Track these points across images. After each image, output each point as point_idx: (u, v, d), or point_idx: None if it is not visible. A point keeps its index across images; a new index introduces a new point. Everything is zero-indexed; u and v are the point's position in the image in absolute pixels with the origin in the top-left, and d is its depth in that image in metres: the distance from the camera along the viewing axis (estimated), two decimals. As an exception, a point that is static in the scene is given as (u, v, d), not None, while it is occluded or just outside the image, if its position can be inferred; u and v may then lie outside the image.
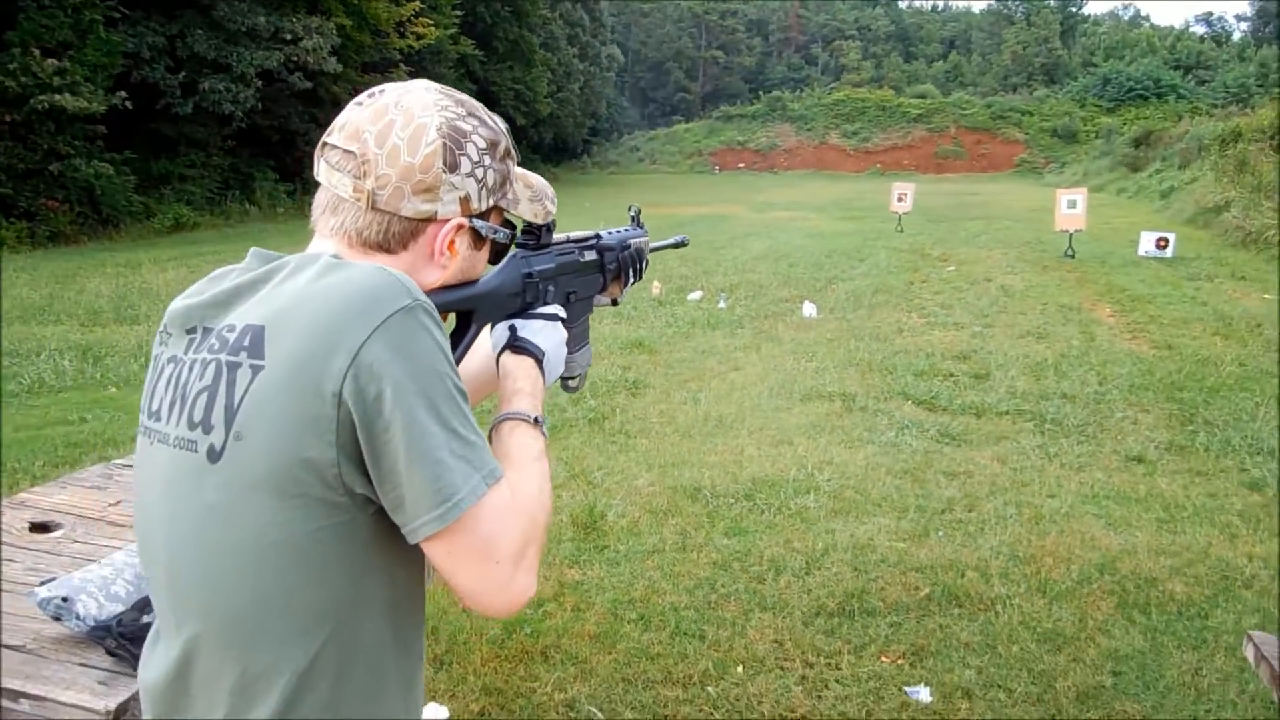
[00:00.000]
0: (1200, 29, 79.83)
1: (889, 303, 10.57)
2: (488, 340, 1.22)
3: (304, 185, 25.05)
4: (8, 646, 1.42)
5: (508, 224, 1.13)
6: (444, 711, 2.67)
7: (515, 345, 1.17)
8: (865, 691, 2.85)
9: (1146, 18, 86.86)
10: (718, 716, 2.71)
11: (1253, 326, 8.78)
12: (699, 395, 6.67)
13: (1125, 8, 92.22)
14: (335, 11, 23.63)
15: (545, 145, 46.39)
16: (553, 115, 42.65)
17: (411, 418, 0.86)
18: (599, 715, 2.70)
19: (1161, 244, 13.88)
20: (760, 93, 60.34)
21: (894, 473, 4.96)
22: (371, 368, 0.85)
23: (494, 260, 1.15)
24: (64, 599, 1.42)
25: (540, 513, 0.99)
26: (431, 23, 27.79)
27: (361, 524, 0.91)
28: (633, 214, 1.55)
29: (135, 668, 1.33)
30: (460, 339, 1.13)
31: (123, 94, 17.93)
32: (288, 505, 0.87)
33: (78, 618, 1.42)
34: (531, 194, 1.14)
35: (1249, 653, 1.59)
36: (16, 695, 1.31)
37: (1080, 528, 4.13)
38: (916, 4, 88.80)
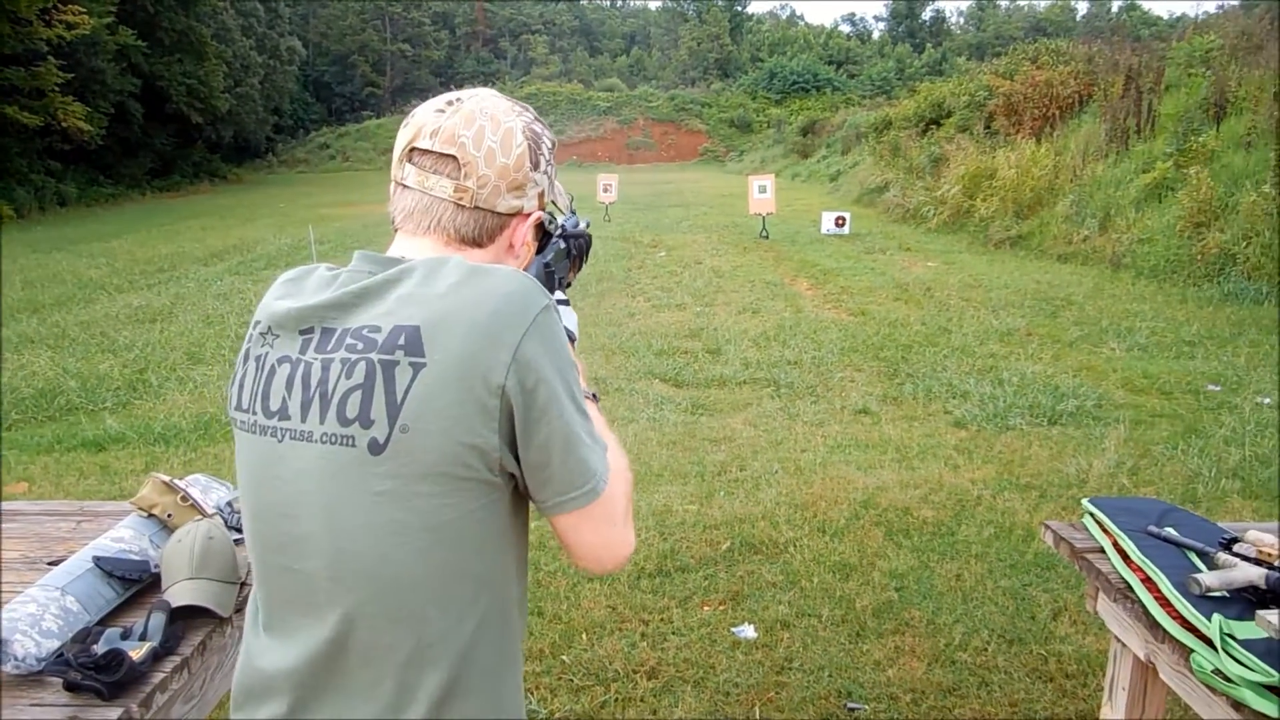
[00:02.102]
0: (846, 28, 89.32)
1: (614, 289, 11.02)
2: None
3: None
4: (-72, 705, 1.30)
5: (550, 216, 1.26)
6: None
7: None
8: (700, 637, 3.13)
9: (801, 17, 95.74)
10: (577, 681, 2.87)
11: (924, 290, 10.13)
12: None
13: (783, 7, 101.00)
14: (-37, -5, 20.61)
15: (225, 144, 43.05)
16: (232, 112, 39.66)
17: (561, 406, 0.98)
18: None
19: (840, 222, 15.54)
20: (451, 86, 59.23)
21: (664, 444, 5.31)
22: (529, 362, 0.96)
23: (540, 249, 1.27)
24: (-5, 642, 1.32)
25: (628, 473, 1.12)
26: (84, 10, 24.89)
27: (506, 501, 1.01)
28: (568, 202, 1.67)
29: (103, 696, 1.29)
30: None
31: None
32: (456, 487, 0.96)
33: (16, 659, 1.32)
34: (561, 187, 1.27)
35: (1048, 538, 2.00)
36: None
37: (837, 474, 4.69)
38: (597, 0, 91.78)
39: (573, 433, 0.99)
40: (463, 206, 1.08)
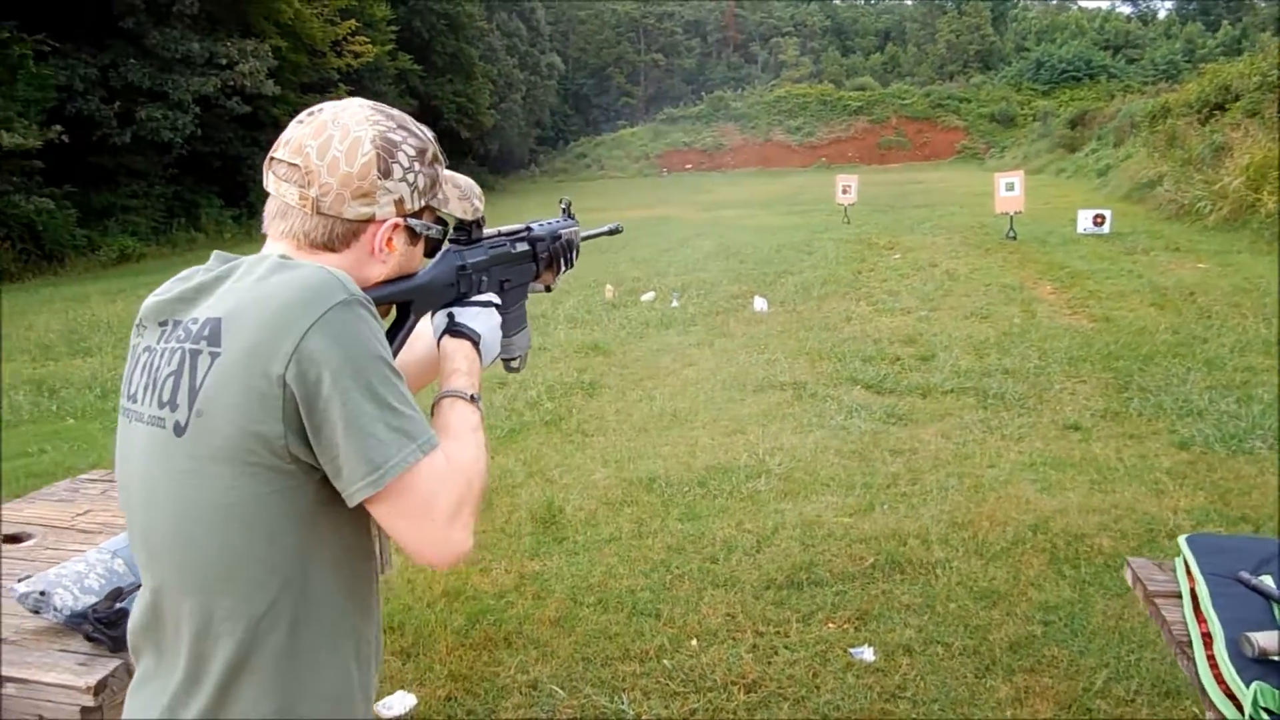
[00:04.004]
0: (1127, 9, 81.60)
1: (837, 292, 10.78)
2: (431, 329, 1.35)
3: (250, 209, 24.80)
4: (-8, 641, 1.53)
5: (440, 221, 1.27)
6: (412, 699, 2.78)
7: (453, 330, 1.30)
8: (812, 655, 3.01)
9: (1074, 0, 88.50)
10: (673, 686, 2.85)
11: (1186, 295, 9.10)
12: (654, 392, 6.81)
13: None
14: (269, 34, 23.46)
15: (492, 157, 46.24)
16: (497, 126, 42.56)
17: (347, 397, 0.99)
18: (560, 692, 2.83)
19: (1098, 221, 14.27)
20: (703, 93, 60.58)
21: (842, 454, 5.13)
22: (312, 354, 0.99)
23: (429, 255, 1.29)
24: (41, 593, 1.54)
25: (476, 477, 1.12)
26: (368, 40, 27.65)
27: (308, 489, 1.04)
28: (563, 206, 1.68)
29: (112, 649, 1.46)
30: (401, 328, 1.26)
31: (58, 128, 17.63)
32: (243, 472, 1.01)
33: (55, 609, 1.53)
34: (460, 193, 1.28)
35: (1128, 576, 1.74)
36: (2, 681, 1.42)
37: (1016, 493, 4.33)
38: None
39: (359, 424, 1.00)
40: (310, 213, 1.12)
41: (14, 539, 2.01)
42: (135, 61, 20.69)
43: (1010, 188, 15.07)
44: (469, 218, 1.31)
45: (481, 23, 40.02)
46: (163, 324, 1.11)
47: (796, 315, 9.62)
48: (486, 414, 5.07)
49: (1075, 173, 27.21)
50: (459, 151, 41.54)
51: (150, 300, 1.15)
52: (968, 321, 8.71)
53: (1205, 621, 1.44)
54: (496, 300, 1.38)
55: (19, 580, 1.60)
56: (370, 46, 27.65)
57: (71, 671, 1.44)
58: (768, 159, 49.93)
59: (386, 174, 1.13)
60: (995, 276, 11.04)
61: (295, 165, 1.12)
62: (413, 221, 1.19)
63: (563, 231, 1.59)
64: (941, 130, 49.97)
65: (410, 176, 1.17)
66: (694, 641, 3.11)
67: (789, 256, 14.02)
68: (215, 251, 1.16)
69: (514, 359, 1.49)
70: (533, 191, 42.49)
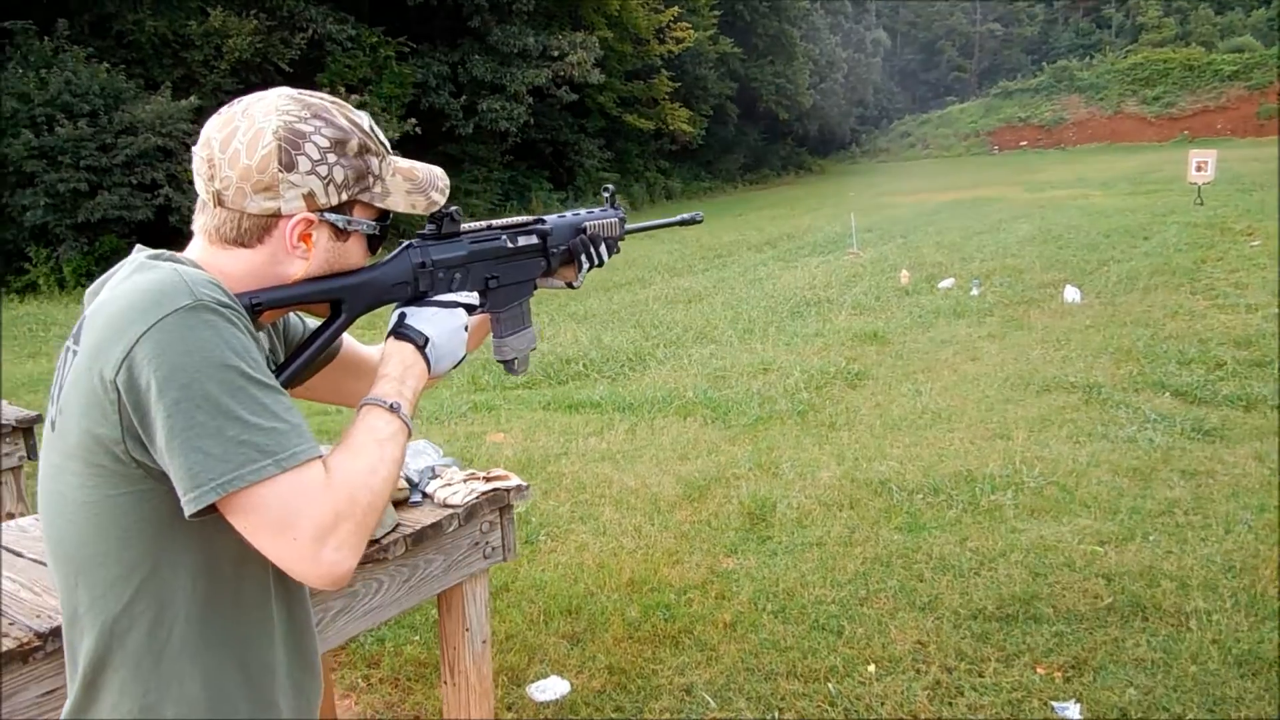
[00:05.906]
0: None
1: (1169, 284, 9.58)
2: None
3: (576, 192, 26.48)
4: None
5: (384, 215, 1.19)
6: (565, 686, 2.79)
7: (397, 331, 1.22)
8: (1003, 702, 2.63)
9: None
10: (832, 714, 2.61)
11: None
12: (923, 387, 6.39)
13: None
14: (598, 25, 24.80)
15: (811, 137, 45.76)
16: (815, 107, 41.98)
17: (175, 408, 0.94)
18: (711, 702, 2.69)
19: None
20: (1044, 64, 55.82)
21: (1117, 470, 4.49)
22: (141, 362, 0.94)
23: (373, 251, 1.20)
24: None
25: (363, 491, 1.02)
26: (690, 26, 28.35)
27: (163, 494, 0.99)
28: (607, 195, 1.55)
29: None
30: (328, 327, 1.19)
31: (413, 120, 19.84)
32: (93, 472, 1.00)
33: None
34: (411, 186, 1.18)
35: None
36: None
37: (1329, 537, 3.55)
38: (1236, -53, 78.23)
39: (185, 437, 0.94)
40: (214, 206, 1.09)
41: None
42: (479, 57, 22.76)
43: None
44: (419, 212, 1.21)
45: (804, 2, 39.60)
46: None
47: (1112, 308, 8.65)
48: (742, 399, 4.96)
49: None
50: (777, 133, 41.55)
51: (89, 289, 1.15)
52: (1330, 323, 7.36)
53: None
54: (468, 300, 1.28)
55: None
56: (692, 32, 28.34)
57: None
58: (1117, 134, 45.13)
59: (290, 167, 1.07)
60: (1391, 271, 9.24)
61: (204, 158, 1.09)
62: (332, 216, 1.12)
63: (590, 224, 1.46)
64: (1343, 94, 42.34)
65: (322, 169, 1.09)
66: (871, 667, 2.83)
67: (1118, 242, 12.63)
68: (138, 245, 1.15)
69: (511, 360, 1.39)
70: (852, 172, 41.55)
